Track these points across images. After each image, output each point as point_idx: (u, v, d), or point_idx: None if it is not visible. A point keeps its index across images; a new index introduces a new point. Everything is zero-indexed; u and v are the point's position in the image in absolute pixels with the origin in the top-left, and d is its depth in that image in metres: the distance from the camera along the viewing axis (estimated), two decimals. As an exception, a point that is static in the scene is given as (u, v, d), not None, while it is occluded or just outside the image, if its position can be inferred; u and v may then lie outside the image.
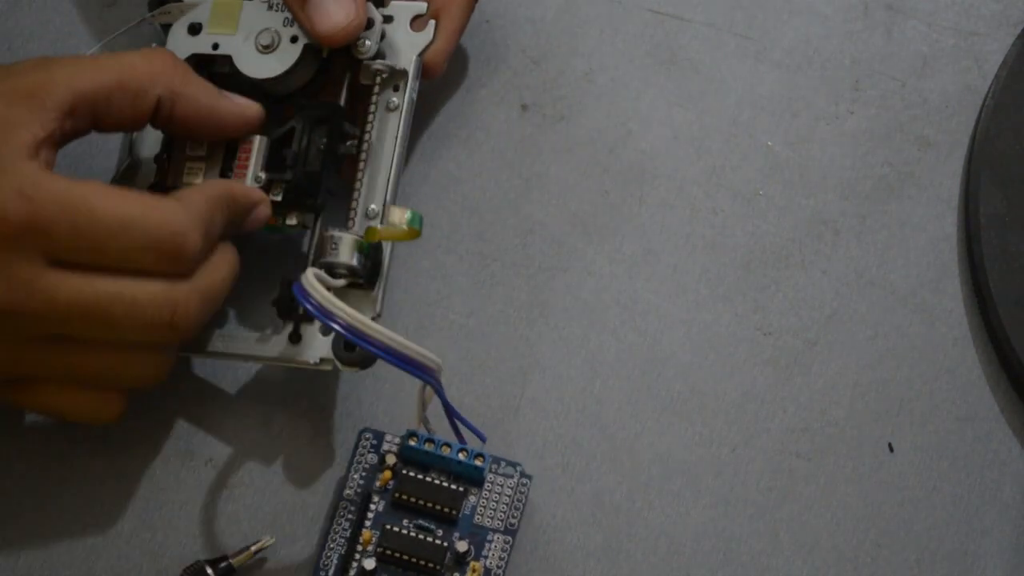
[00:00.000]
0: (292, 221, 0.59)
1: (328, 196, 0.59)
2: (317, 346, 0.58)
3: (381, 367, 0.56)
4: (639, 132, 0.65)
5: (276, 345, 0.58)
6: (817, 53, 0.66)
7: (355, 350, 0.57)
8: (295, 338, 0.58)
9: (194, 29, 0.61)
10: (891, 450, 0.61)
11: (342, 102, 0.60)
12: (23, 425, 0.60)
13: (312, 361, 0.58)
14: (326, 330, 0.58)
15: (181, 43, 0.61)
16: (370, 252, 0.57)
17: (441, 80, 0.65)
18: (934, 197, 0.64)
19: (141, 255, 0.53)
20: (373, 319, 0.57)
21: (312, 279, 0.54)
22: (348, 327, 0.53)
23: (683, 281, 0.63)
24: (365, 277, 0.57)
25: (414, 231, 0.56)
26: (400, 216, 0.57)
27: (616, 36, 0.66)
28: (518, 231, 0.63)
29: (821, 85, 0.65)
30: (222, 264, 0.56)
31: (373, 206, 0.59)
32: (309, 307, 0.53)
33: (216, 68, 0.61)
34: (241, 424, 0.60)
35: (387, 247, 0.58)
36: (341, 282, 0.57)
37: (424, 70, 0.61)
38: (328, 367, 0.58)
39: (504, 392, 0.61)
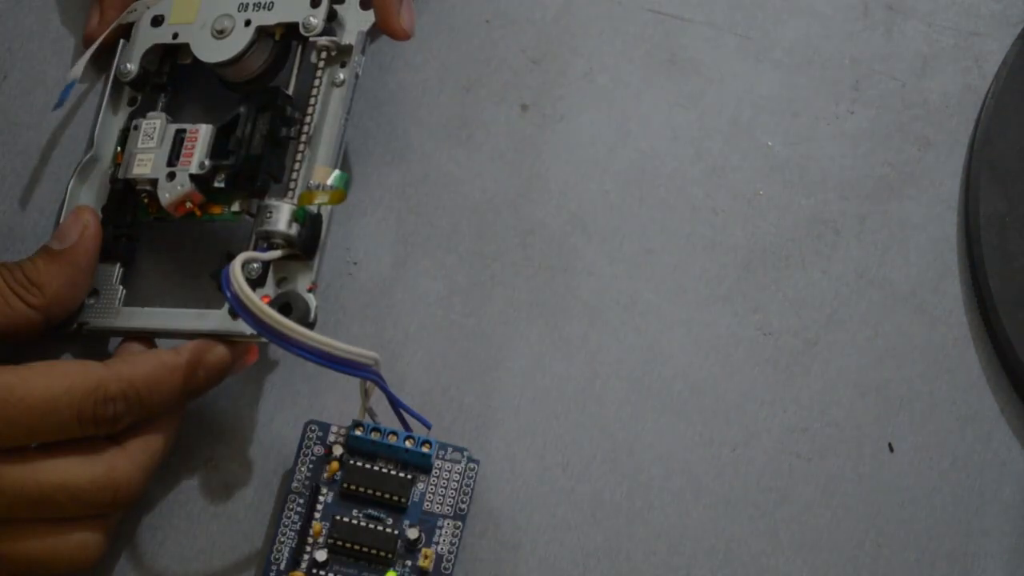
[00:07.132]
0: (235, 208, 0.60)
1: (269, 180, 0.59)
2: None
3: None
4: (639, 132, 0.64)
5: (214, 319, 0.58)
6: (817, 53, 0.66)
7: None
8: (233, 313, 0.58)
9: (156, 21, 0.62)
10: (891, 450, 0.61)
11: (292, 83, 0.61)
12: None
13: (248, 333, 0.57)
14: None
15: (144, 35, 0.62)
16: (307, 222, 0.57)
17: (441, 80, 0.65)
18: (934, 197, 0.64)
19: (71, 427, 0.54)
20: (310, 290, 0.57)
21: (238, 270, 0.53)
22: (260, 323, 0.52)
23: (683, 281, 0.63)
24: (301, 247, 0.57)
25: (340, 193, 0.56)
26: (324, 175, 0.56)
27: (616, 36, 0.66)
28: (518, 231, 0.63)
29: (821, 85, 0.65)
30: (161, 430, 0.57)
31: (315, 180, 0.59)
32: (227, 296, 0.53)
33: (179, 60, 0.62)
34: (241, 423, 0.60)
35: (326, 219, 0.58)
36: (278, 253, 0.57)
37: (392, 34, 0.60)
38: (264, 339, 0.56)
39: (504, 392, 0.61)
